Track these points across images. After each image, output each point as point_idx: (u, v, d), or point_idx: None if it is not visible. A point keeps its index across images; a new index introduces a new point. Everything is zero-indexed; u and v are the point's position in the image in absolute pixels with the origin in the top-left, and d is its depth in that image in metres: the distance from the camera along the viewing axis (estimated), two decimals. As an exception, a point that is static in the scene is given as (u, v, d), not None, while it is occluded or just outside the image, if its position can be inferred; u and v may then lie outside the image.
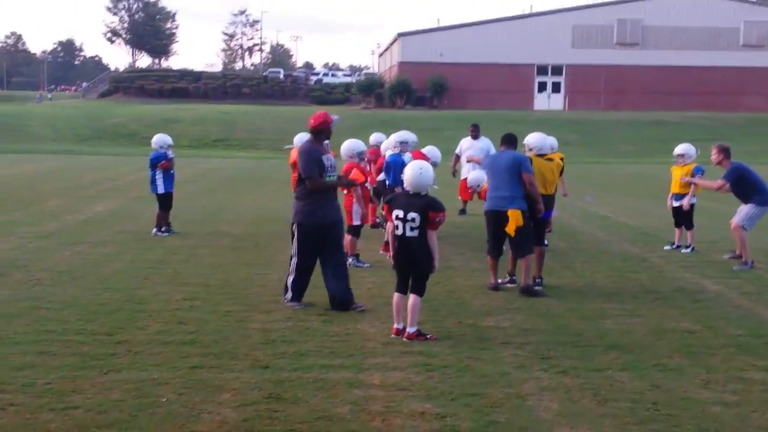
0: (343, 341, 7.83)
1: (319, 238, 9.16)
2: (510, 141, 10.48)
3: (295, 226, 9.29)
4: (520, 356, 7.41)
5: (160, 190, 14.39)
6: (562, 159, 12.53)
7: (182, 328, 8.22)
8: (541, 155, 10.65)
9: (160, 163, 14.31)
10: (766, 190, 12.31)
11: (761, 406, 6.19)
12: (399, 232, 7.96)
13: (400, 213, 7.94)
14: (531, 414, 6.00)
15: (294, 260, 9.31)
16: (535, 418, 5.92)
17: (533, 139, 10.79)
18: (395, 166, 12.60)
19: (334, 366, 7.06)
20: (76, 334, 7.93)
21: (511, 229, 10.02)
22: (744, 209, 12.26)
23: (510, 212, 10.01)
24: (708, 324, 8.68)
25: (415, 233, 7.90)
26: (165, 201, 14.45)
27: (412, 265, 8.01)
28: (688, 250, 13.30)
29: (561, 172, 10.82)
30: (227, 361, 7.17)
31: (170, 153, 14.55)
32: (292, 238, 9.40)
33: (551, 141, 12.77)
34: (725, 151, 12.47)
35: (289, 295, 9.30)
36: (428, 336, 7.93)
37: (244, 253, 12.77)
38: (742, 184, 12.29)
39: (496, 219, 10.20)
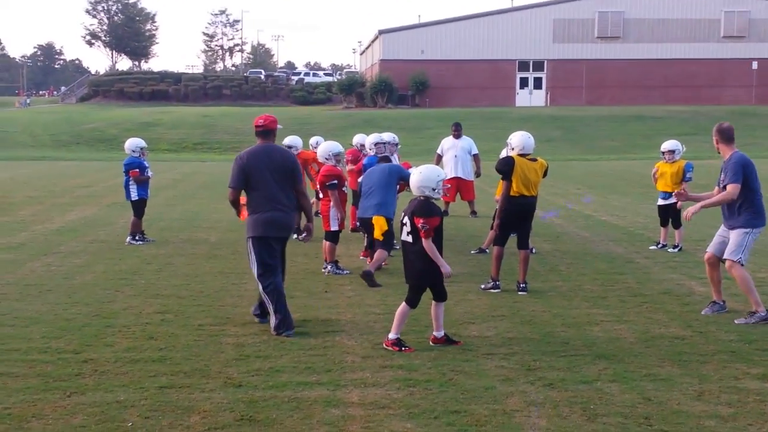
0: (320, 355, 7.50)
1: None
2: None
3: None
4: (505, 368, 7.10)
5: (133, 196, 13.99)
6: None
7: (152, 344, 7.86)
8: (523, 155, 10.32)
9: (132, 170, 13.91)
10: (761, 205, 9.04)
11: (758, 419, 5.90)
12: (402, 236, 7.85)
13: (401, 216, 7.83)
14: (517, 432, 5.69)
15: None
16: (521, 437, 5.61)
17: (515, 138, 10.41)
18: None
19: (311, 383, 6.73)
20: (41, 353, 7.57)
21: (376, 233, 10.79)
22: (733, 237, 8.97)
23: (374, 219, 10.82)
24: (698, 329, 8.40)
25: (409, 238, 7.68)
26: (139, 208, 14.07)
27: (409, 271, 7.76)
28: (676, 249, 13.05)
29: (545, 174, 10.50)
30: (198, 379, 6.83)
31: (149, 172, 14.14)
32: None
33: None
34: (720, 133, 9.13)
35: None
36: (404, 348, 7.62)
37: (220, 261, 12.42)
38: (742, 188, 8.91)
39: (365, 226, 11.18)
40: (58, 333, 8.25)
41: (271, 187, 8.28)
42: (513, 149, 10.37)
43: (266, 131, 8.55)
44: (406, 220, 7.71)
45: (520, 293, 10.11)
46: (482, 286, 10.42)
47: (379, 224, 10.74)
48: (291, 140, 14.62)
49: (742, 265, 8.88)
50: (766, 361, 7.30)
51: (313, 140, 15.39)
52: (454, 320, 8.71)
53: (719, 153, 9.20)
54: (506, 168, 10.13)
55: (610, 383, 6.69)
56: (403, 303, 7.77)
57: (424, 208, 7.59)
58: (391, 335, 7.72)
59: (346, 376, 6.92)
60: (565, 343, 7.90)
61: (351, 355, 7.51)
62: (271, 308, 8.25)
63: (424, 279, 7.65)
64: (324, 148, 11.71)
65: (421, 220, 7.50)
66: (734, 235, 8.92)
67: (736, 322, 8.71)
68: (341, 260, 11.83)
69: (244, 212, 8.55)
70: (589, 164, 37.10)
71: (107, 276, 11.24)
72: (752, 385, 6.65)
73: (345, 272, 11.35)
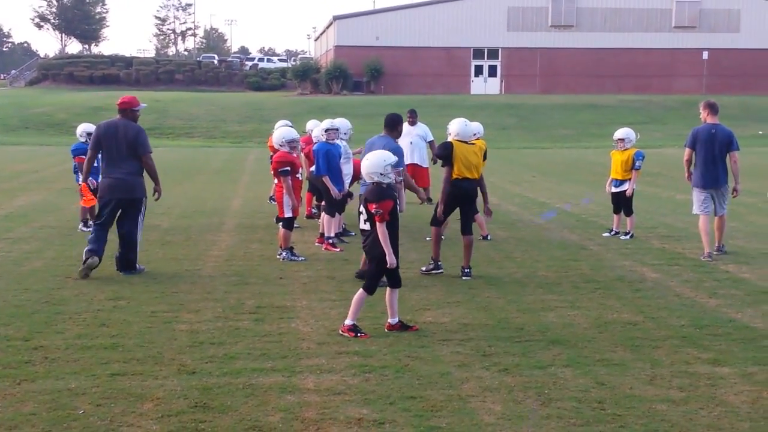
0: (275, 342, 7.46)
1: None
2: (387, 125, 10.65)
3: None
4: (460, 354, 7.12)
5: (82, 180, 13.71)
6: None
7: (104, 331, 7.75)
8: (463, 141, 10.43)
9: (78, 156, 13.66)
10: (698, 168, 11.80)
11: (708, 403, 5.99)
12: (360, 224, 7.86)
13: (357, 205, 7.85)
14: (473, 417, 5.70)
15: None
16: (477, 422, 5.63)
17: (453, 125, 10.60)
18: (319, 155, 12.22)
19: (266, 369, 6.69)
20: (-11, 340, 7.42)
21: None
22: (723, 193, 11.91)
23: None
24: (650, 315, 8.50)
25: (367, 226, 7.71)
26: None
27: (370, 260, 7.78)
28: (628, 236, 13.20)
29: (484, 157, 10.69)
30: (151, 366, 6.75)
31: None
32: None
33: (475, 127, 12.63)
34: (709, 107, 11.97)
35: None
36: (359, 334, 7.61)
37: (173, 247, 12.28)
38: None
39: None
40: (7, 320, 8.09)
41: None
42: (450, 134, 10.60)
43: (122, 110, 10.81)
44: (361, 208, 7.70)
45: (464, 278, 10.16)
46: (423, 269, 10.47)
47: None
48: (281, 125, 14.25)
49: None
50: (716, 345, 7.42)
51: (310, 124, 14.96)
52: (409, 306, 8.72)
53: (705, 121, 11.82)
54: (446, 152, 10.29)
55: (564, 368, 6.75)
56: (361, 289, 7.75)
57: (375, 193, 7.59)
58: (348, 321, 7.70)
59: (301, 362, 6.88)
60: (519, 328, 7.94)
61: (306, 342, 7.48)
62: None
63: (383, 263, 7.63)
64: (278, 134, 11.61)
65: (375, 205, 7.50)
66: (724, 191, 11.81)
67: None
68: (296, 247, 11.77)
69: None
70: (543, 152, 37.39)
71: (57, 262, 11.05)
72: (703, 370, 6.74)
73: (300, 258, 11.29)
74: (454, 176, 10.22)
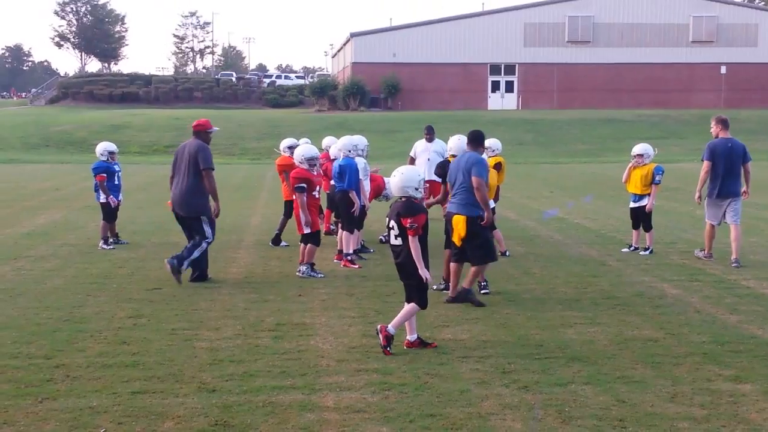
0: (294, 359, 7.47)
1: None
2: (473, 140, 10.01)
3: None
4: (479, 371, 7.11)
5: (102, 199, 13.87)
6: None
7: (125, 349, 7.79)
8: None
9: (99, 174, 13.80)
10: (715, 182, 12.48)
11: (730, 421, 5.95)
12: (390, 240, 7.86)
13: (387, 221, 7.86)
14: (493, 436, 5.69)
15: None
16: (497, 440, 5.61)
17: (451, 142, 10.87)
18: (351, 170, 12.27)
19: (285, 387, 6.70)
20: (11, 358, 7.47)
21: (455, 237, 9.76)
22: (738, 204, 12.56)
23: (455, 218, 9.76)
24: (670, 331, 8.46)
25: (398, 241, 7.74)
26: (108, 211, 13.93)
27: (402, 274, 7.81)
28: (647, 252, 13.14)
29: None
30: (172, 384, 6.78)
31: (117, 179, 14.07)
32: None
33: (492, 143, 12.83)
34: (722, 123, 12.65)
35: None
36: (428, 344, 7.81)
37: (193, 264, 12.31)
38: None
39: (449, 221, 9.99)
40: (29, 338, 8.15)
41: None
42: (449, 151, 10.78)
43: (196, 132, 11.45)
44: (392, 224, 7.73)
45: (482, 292, 10.20)
46: (435, 287, 10.46)
47: (457, 223, 9.82)
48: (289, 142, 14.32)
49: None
50: (738, 362, 7.37)
51: (326, 141, 14.98)
52: (428, 323, 8.72)
53: (717, 136, 12.54)
54: (443, 170, 10.45)
55: (584, 385, 6.72)
56: (412, 304, 7.76)
57: (410, 208, 7.66)
58: (410, 337, 7.83)
59: (321, 380, 6.89)
60: (539, 345, 7.92)
61: (326, 359, 7.49)
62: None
63: (418, 277, 7.66)
64: (298, 152, 11.65)
65: (409, 220, 7.56)
66: (739, 201, 12.48)
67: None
68: (316, 263, 11.77)
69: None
70: (560, 167, 37.30)
71: (78, 280, 11.12)
72: (725, 387, 6.70)
73: (320, 275, 11.31)
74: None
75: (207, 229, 11.13)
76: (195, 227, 11.11)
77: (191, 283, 10.94)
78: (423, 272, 7.60)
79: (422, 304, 7.79)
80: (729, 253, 12.48)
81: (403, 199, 7.76)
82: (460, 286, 9.84)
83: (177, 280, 10.70)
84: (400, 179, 7.78)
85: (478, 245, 9.70)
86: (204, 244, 11.08)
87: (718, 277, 11.37)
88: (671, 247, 13.85)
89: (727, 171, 12.36)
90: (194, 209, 11.09)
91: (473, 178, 9.54)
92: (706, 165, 12.46)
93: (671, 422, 5.92)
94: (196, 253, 10.99)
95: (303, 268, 11.33)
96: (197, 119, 11.80)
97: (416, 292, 7.77)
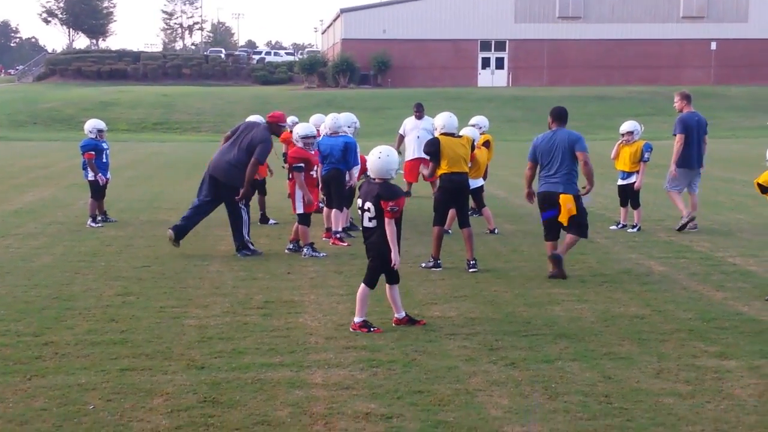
0: (283, 337, 7.50)
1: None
2: (560, 117, 10.22)
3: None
4: (467, 348, 7.15)
5: (90, 176, 13.82)
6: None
7: (113, 327, 7.80)
8: (447, 134, 10.47)
9: (87, 152, 13.75)
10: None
11: (715, 396, 6.01)
12: (363, 222, 7.76)
13: (360, 202, 7.75)
14: (480, 412, 5.73)
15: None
16: (484, 416, 5.66)
17: (439, 119, 10.70)
18: (353, 149, 12.30)
19: (274, 364, 6.73)
20: (0, 336, 7.47)
21: (563, 216, 9.88)
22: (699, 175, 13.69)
23: (562, 197, 9.88)
24: (657, 308, 8.51)
25: (373, 223, 7.65)
26: (96, 189, 13.88)
27: (374, 256, 7.74)
28: (635, 229, 13.19)
29: (473, 147, 10.87)
30: (160, 362, 6.80)
31: (105, 157, 14.04)
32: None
33: (480, 120, 13.03)
34: (686, 98, 13.40)
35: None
36: (372, 329, 7.65)
37: (182, 242, 12.31)
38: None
39: (550, 201, 10.03)
40: (18, 316, 8.15)
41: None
42: (436, 129, 10.68)
43: (269, 122, 11.87)
44: (368, 206, 7.65)
45: (470, 271, 10.20)
46: (422, 265, 10.50)
47: (566, 202, 9.91)
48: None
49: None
50: (723, 339, 7.43)
51: (314, 119, 14.96)
52: (417, 301, 8.76)
53: (681, 111, 13.31)
54: (433, 149, 10.39)
55: (571, 362, 6.77)
56: (362, 285, 7.77)
57: (390, 190, 7.60)
58: (357, 318, 7.74)
59: (309, 357, 6.92)
60: (526, 322, 7.97)
61: (314, 336, 7.52)
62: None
63: (388, 259, 7.65)
64: (295, 130, 11.66)
65: (390, 203, 7.50)
66: (700, 171, 13.62)
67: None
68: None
69: None
70: (550, 144, 37.25)
71: (66, 258, 11.11)
72: (710, 363, 6.76)
73: (322, 255, 11.28)
74: (444, 171, 10.29)
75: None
76: (229, 195, 11.37)
77: (180, 261, 10.93)
78: (395, 257, 7.57)
79: (371, 284, 7.75)
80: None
81: (379, 181, 7.72)
82: (556, 257, 9.91)
83: (259, 253, 11.40)
84: (384, 161, 7.67)
85: (583, 220, 10.06)
86: (242, 212, 11.42)
87: (705, 254, 11.43)
88: (659, 224, 13.91)
89: (696, 143, 13.27)
90: (235, 180, 11.35)
91: (581, 154, 9.92)
92: (680, 138, 13.17)
93: (657, 398, 5.98)
94: (244, 228, 11.41)
95: (305, 249, 11.27)
96: (272, 112, 12.40)
97: (370, 272, 7.76)
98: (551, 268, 9.94)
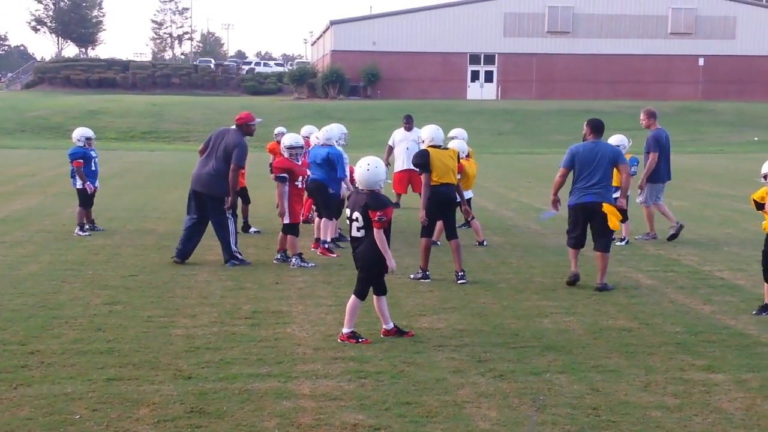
0: (271, 347, 7.47)
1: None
2: (599, 130, 10.42)
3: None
4: (455, 360, 7.15)
5: (78, 185, 13.76)
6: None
7: (100, 336, 7.76)
8: (435, 146, 10.50)
9: (75, 160, 13.69)
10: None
11: (703, 410, 6.02)
12: (351, 232, 7.76)
13: (348, 212, 7.75)
14: (468, 424, 5.73)
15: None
16: (472, 428, 5.65)
17: (425, 132, 10.72)
18: (341, 159, 12.30)
19: (261, 375, 6.70)
20: (-15, 345, 7.43)
21: (614, 223, 10.01)
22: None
23: (606, 206, 10.01)
24: (645, 321, 8.53)
25: (361, 233, 7.65)
26: (85, 197, 13.82)
27: (363, 266, 7.73)
28: (623, 243, 13.23)
29: (458, 159, 10.94)
30: (147, 371, 6.76)
31: (94, 165, 13.99)
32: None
33: (459, 132, 13.56)
34: (653, 116, 13.80)
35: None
36: (360, 340, 7.64)
37: (169, 252, 12.23)
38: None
39: (590, 211, 10.12)
40: (4, 324, 8.09)
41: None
42: (423, 142, 10.70)
43: (238, 125, 11.53)
44: (356, 215, 7.66)
45: (459, 282, 10.22)
46: (411, 276, 10.51)
47: (612, 211, 10.07)
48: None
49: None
50: (710, 352, 7.45)
51: (304, 130, 14.97)
52: (405, 312, 8.75)
53: (649, 128, 13.76)
54: (422, 160, 10.39)
55: (559, 374, 6.77)
56: (353, 296, 7.76)
57: (378, 200, 7.60)
58: (345, 329, 7.72)
59: (297, 367, 6.90)
60: (515, 334, 7.97)
61: (302, 347, 7.50)
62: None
63: (375, 269, 7.66)
64: (282, 140, 11.69)
65: (378, 213, 7.51)
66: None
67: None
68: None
69: None
70: (539, 157, 37.41)
71: (53, 266, 11.05)
72: (697, 377, 6.77)
73: (311, 265, 11.26)
74: (433, 183, 10.29)
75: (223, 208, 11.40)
76: (214, 206, 11.33)
77: (167, 271, 10.89)
78: (390, 262, 7.59)
79: (362, 296, 7.76)
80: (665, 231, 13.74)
81: (366, 192, 7.72)
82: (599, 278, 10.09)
83: (247, 263, 11.41)
84: (373, 173, 7.66)
85: (610, 232, 10.23)
86: (228, 223, 11.39)
87: (693, 268, 11.47)
88: (647, 237, 13.94)
89: (666, 157, 13.78)
90: (218, 191, 11.30)
91: (623, 167, 10.30)
92: (655, 156, 13.53)
93: (644, 411, 5.98)
94: (231, 238, 11.39)
95: (293, 260, 11.26)
96: (240, 112, 12.04)
97: (360, 283, 7.75)
98: (570, 279, 10.24)
